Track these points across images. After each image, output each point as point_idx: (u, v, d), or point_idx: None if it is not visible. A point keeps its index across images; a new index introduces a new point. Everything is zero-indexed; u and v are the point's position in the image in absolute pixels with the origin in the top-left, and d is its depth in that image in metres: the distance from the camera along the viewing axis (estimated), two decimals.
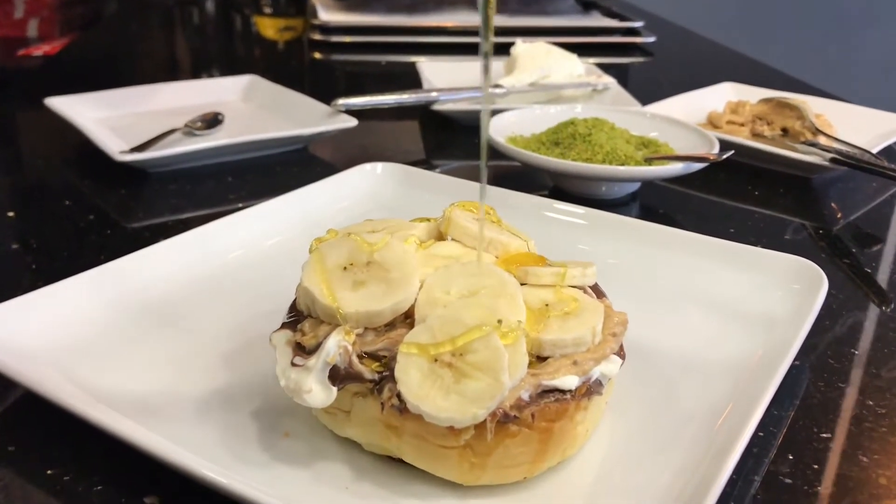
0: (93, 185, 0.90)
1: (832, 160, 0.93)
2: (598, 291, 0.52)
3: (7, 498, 0.45)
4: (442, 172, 0.88)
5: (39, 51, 1.49)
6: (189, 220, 0.82)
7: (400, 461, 0.46)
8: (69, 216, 0.82)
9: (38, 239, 0.77)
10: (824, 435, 0.52)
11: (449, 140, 1.13)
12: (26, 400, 0.52)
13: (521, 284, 0.48)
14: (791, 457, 0.50)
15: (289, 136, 0.98)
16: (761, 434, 0.51)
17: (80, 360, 0.53)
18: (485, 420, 0.42)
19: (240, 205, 0.85)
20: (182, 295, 0.63)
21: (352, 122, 1.01)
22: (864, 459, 0.50)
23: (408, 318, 0.46)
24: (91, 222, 0.81)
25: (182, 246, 0.67)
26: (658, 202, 0.91)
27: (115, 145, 0.92)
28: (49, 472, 0.46)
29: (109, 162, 0.88)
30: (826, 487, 0.48)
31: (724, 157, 0.84)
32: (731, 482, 0.46)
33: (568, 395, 0.44)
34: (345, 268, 0.47)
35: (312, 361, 0.44)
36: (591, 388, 0.46)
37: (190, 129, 1.02)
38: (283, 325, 0.48)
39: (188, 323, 0.60)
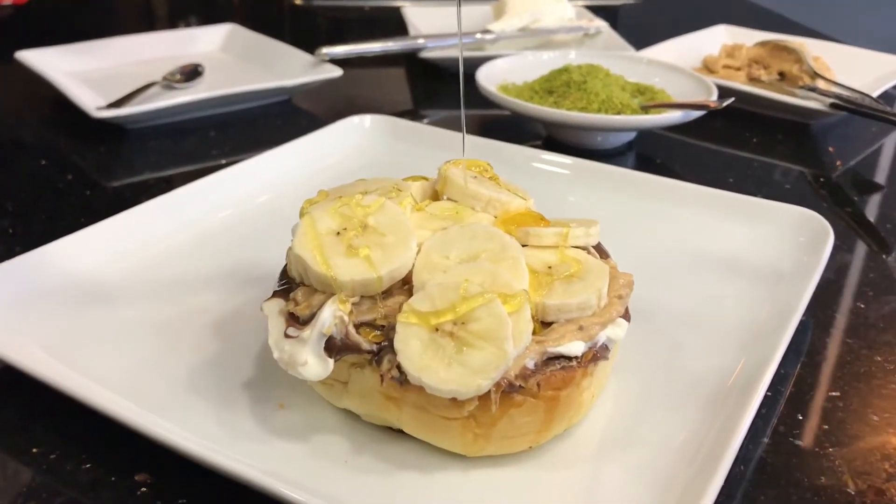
0: (70, 143, 0.86)
1: (832, 105, 0.90)
2: (601, 251, 0.50)
3: None
4: (430, 123, 0.85)
5: (8, 0, 1.43)
6: (172, 177, 0.79)
7: (400, 432, 0.44)
8: (46, 176, 0.79)
9: (15, 201, 0.73)
10: (833, 393, 0.51)
11: (437, 88, 1.09)
12: (6, 376, 0.49)
13: (522, 246, 0.46)
14: (800, 417, 0.49)
15: (272, 87, 0.95)
16: (769, 394, 0.50)
17: (62, 332, 0.51)
18: (489, 390, 0.40)
19: (223, 160, 0.82)
20: (168, 259, 0.60)
21: (337, 71, 0.98)
22: (875, 418, 0.49)
23: (406, 285, 0.44)
24: (70, 182, 0.78)
25: (166, 207, 0.64)
26: (655, 151, 0.89)
27: (92, 101, 0.88)
28: (34, 450, 0.45)
29: (86, 118, 0.84)
30: (837, 448, 0.47)
31: (725, 104, 0.82)
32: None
33: (574, 362, 0.43)
34: (338, 233, 0.45)
35: (307, 333, 0.42)
36: (597, 354, 0.44)
37: (169, 83, 0.98)
38: (275, 294, 0.46)
39: (175, 290, 0.57)
